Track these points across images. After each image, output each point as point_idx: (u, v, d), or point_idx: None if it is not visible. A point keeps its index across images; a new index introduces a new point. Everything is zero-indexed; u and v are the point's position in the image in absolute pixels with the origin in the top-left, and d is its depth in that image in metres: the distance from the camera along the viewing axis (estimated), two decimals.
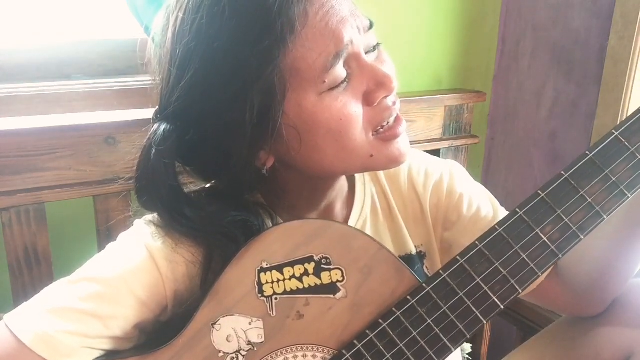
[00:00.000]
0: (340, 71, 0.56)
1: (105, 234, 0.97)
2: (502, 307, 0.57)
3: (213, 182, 0.66)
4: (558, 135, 1.34)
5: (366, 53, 0.59)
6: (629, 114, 1.17)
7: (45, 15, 1.09)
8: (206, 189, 0.66)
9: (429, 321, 0.57)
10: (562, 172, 0.57)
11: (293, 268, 0.58)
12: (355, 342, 0.58)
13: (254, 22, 0.53)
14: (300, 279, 0.58)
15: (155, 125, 0.59)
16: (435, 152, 1.24)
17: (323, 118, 0.56)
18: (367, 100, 0.58)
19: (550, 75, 1.34)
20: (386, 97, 0.59)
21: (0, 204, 0.88)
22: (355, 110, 0.57)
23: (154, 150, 0.58)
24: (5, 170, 0.87)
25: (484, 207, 0.72)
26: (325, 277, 0.58)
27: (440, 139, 1.24)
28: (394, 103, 0.60)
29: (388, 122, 0.60)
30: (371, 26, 0.59)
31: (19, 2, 1.07)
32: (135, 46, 1.15)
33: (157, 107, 0.61)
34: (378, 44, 0.60)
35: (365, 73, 0.57)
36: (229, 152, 0.58)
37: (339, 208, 0.70)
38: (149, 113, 0.97)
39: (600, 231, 0.58)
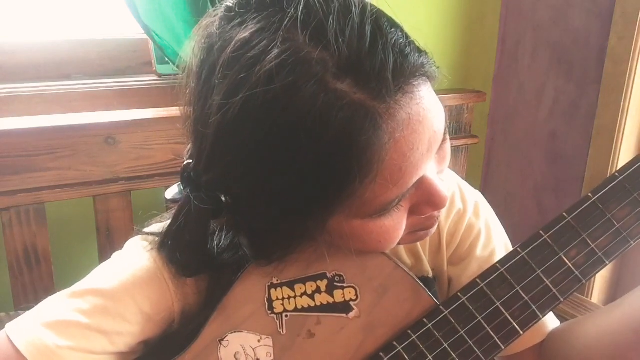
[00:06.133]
0: (396, 202, 0.51)
1: (105, 234, 0.97)
2: (522, 333, 0.55)
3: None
4: (558, 135, 1.34)
5: None
6: (629, 114, 1.18)
7: (45, 15, 1.09)
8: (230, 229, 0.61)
9: (445, 345, 0.55)
10: (590, 195, 0.55)
11: (305, 285, 0.56)
12: None
13: (318, 164, 0.46)
14: (312, 297, 0.56)
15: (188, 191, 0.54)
16: None
17: (362, 239, 0.53)
18: (415, 211, 0.54)
19: (550, 75, 1.34)
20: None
21: (0, 204, 0.88)
22: (399, 230, 0.53)
23: (191, 220, 0.54)
24: (5, 170, 0.87)
25: (498, 252, 0.68)
26: (338, 296, 0.56)
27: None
28: (440, 212, 0.56)
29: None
30: (445, 135, 0.53)
31: (19, 2, 1.07)
32: (135, 46, 1.15)
33: (190, 167, 0.55)
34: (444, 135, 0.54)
35: (422, 189, 0.52)
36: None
37: None
38: (149, 113, 0.98)
39: (603, 317, 0.56)
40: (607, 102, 1.20)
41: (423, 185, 0.51)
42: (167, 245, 0.56)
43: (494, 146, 1.52)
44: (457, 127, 1.26)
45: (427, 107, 0.48)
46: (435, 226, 0.58)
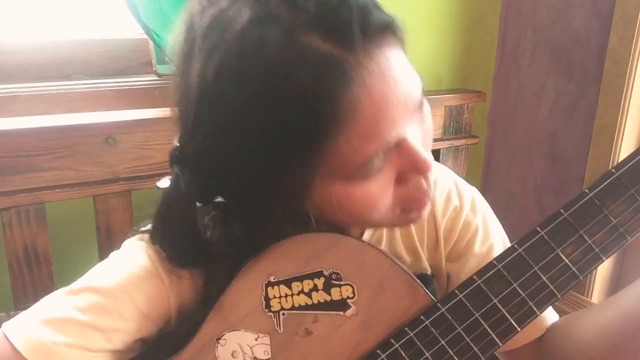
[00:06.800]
0: (378, 162, 0.52)
1: (105, 234, 0.97)
2: (519, 329, 0.55)
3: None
4: (558, 135, 1.35)
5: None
6: (629, 114, 1.18)
7: (45, 15, 1.09)
8: (220, 217, 0.62)
9: (443, 343, 0.55)
10: (586, 191, 0.55)
11: (302, 283, 0.56)
12: None
13: (293, 116, 0.47)
14: (309, 295, 0.56)
15: (177, 170, 0.56)
16: (436, 152, 1.24)
17: (348, 207, 0.53)
18: (400, 178, 0.54)
19: (550, 75, 1.34)
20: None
21: (0, 204, 0.88)
22: (385, 197, 0.54)
23: (179, 200, 0.55)
24: (5, 170, 0.87)
25: (496, 248, 0.69)
26: (335, 293, 0.56)
27: (441, 139, 1.24)
28: (427, 178, 0.56)
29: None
30: (422, 98, 0.54)
31: (19, 2, 1.07)
32: (135, 46, 1.15)
33: (177, 147, 0.56)
34: (422, 99, 0.55)
35: (403, 155, 0.53)
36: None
37: None
38: (149, 113, 0.98)
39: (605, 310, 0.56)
40: (607, 102, 1.20)
41: (404, 149, 0.52)
42: (158, 230, 0.57)
43: (494, 146, 1.52)
44: (457, 127, 1.26)
45: (397, 63, 0.50)
46: (428, 206, 0.58)
